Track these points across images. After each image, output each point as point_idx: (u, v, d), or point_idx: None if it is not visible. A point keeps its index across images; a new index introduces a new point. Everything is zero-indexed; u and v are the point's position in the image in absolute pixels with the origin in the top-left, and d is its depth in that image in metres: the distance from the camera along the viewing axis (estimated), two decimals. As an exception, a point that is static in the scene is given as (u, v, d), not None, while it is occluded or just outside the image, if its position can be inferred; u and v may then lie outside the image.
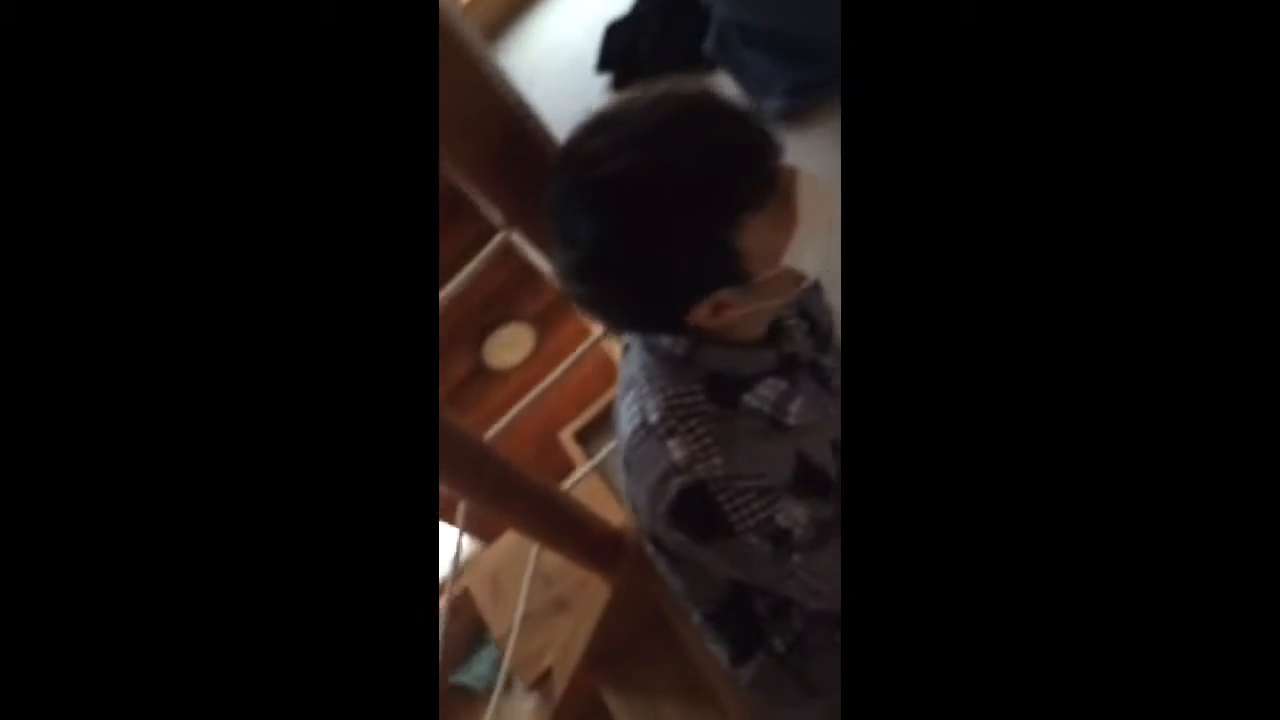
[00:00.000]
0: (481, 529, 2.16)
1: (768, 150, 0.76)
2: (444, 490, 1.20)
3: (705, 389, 0.88)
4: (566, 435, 2.14)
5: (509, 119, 1.09)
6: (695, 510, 0.86)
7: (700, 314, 0.81)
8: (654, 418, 0.88)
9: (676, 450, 0.85)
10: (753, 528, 0.86)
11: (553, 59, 2.82)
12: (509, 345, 2.21)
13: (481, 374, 2.22)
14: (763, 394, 0.91)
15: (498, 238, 1.28)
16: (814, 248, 0.80)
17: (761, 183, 0.75)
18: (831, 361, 1.08)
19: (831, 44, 1.90)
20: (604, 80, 2.53)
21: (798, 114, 1.99)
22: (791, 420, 0.93)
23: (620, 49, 2.38)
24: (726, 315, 0.82)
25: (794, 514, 0.88)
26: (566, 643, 1.76)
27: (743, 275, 0.78)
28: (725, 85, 2.18)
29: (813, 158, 1.91)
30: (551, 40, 2.92)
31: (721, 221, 0.74)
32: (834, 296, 1.23)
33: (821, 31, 1.86)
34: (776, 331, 0.95)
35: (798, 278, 0.82)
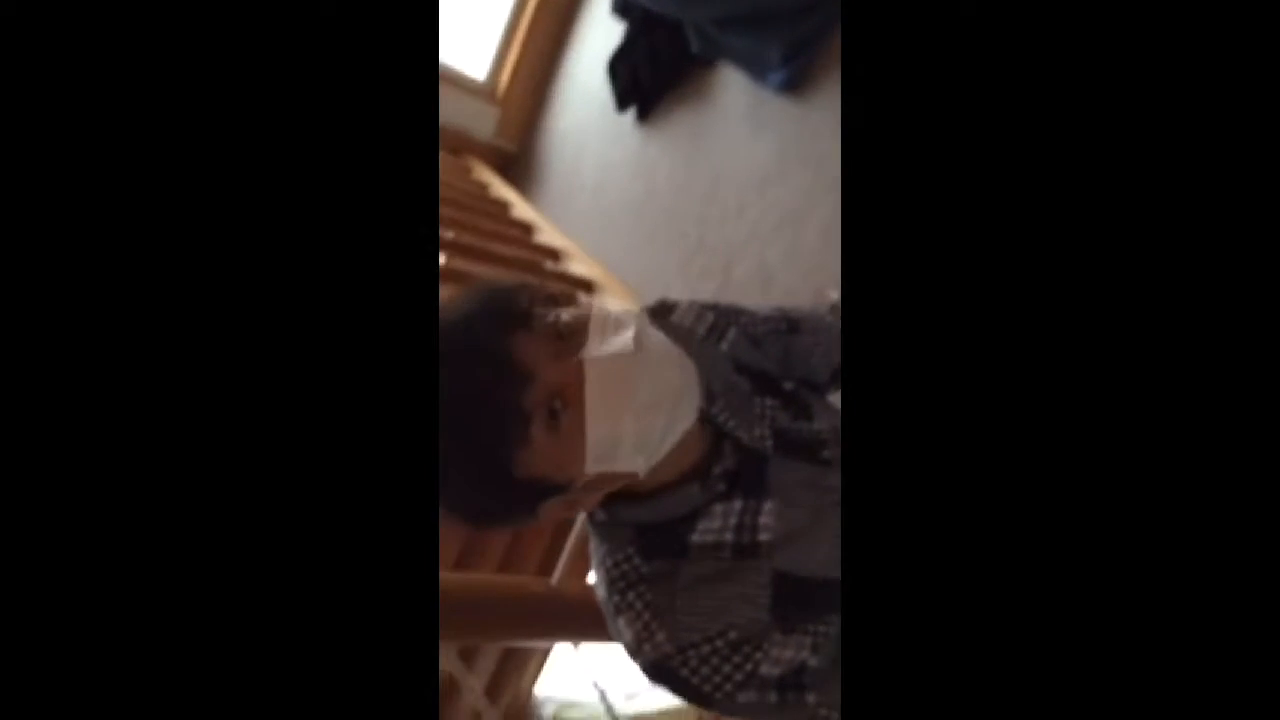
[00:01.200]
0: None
1: (506, 391, 0.65)
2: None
3: (638, 549, 0.77)
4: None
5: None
6: (669, 685, 0.77)
7: (554, 512, 0.72)
8: (602, 593, 0.80)
9: (626, 631, 0.77)
10: (736, 689, 0.75)
11: (590, 110, 2.79)
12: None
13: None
14: (712, 526, 0.79)
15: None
16: (627, 438, 0.68)
17: (511, 423, 0.65)
18: (821, 424, 0.93)
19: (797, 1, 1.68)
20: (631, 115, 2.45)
21: (801, 81, 1.78)
22: (765, 535, 0.80)
23: (626, 84, 2.29)
24: (583, 505, 0.73)
25: (783, 656, 0.76)
26: None
27: (549, 490, 0.69)
28: (729, 74, 2.01)
29: (825, 124, 1.71)
30: (583, 90, 2.88)
31: (479, 474, 0.66)
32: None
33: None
34: (719, 438, 0.83)
35: (625, 475, 0.71)
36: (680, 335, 0.84)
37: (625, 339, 0.68)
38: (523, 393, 0.65)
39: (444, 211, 2.19)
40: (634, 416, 0.68)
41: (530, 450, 0.65)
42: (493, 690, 1.61)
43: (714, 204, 2.02)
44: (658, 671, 0.75)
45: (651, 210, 2.32)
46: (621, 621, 0.77)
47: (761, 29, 1.78)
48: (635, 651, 0.76)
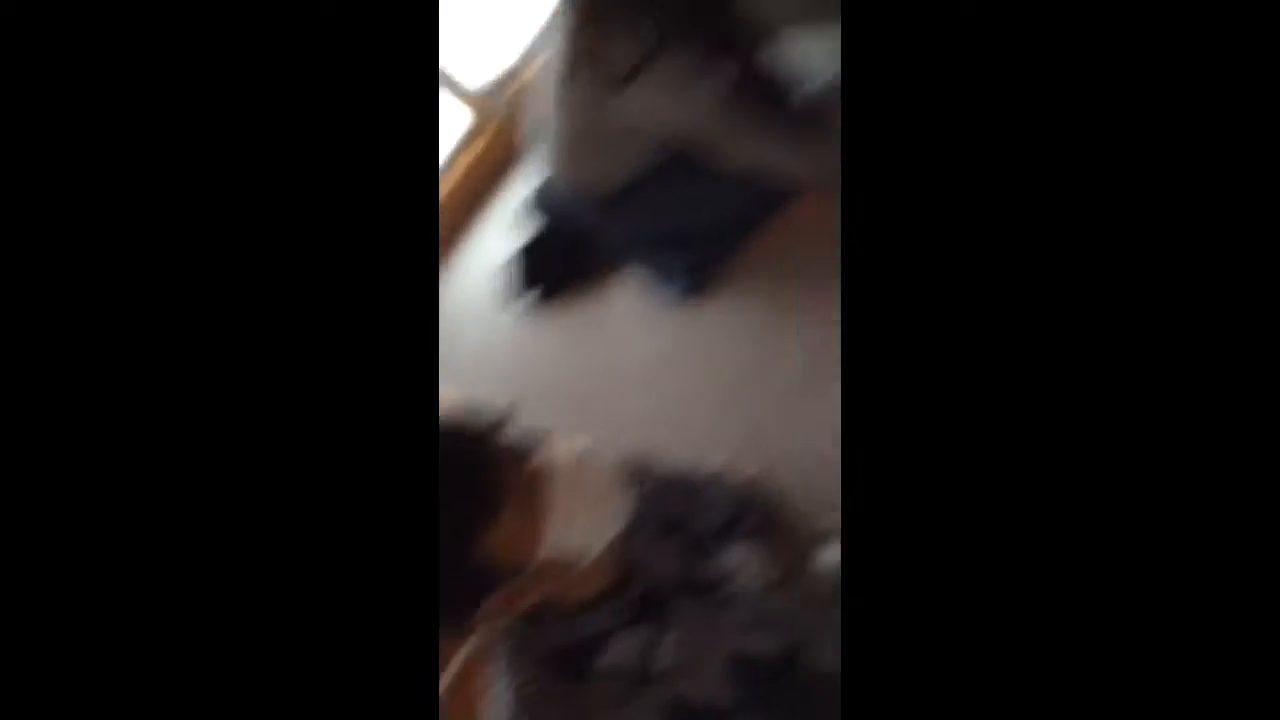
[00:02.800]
0: None
1: (485, 464, 0.73)
2: None
3: (544, 669, 0.84)
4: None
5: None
6: None
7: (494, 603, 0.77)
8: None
9: None
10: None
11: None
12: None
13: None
14: (619, 650, 0.85)
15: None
16: (580, 528, 0.78)
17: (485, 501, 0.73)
18: (720, 565, 1.01)
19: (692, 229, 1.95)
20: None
21: (701, 289, 2.01)
22: (662, 665, 0.86)
23: (533, 270, 2.42)
24: (522, 602, 0.79)
25: None
26: None
27: (491, 577, 0.74)
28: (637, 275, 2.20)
29: (721, 327, 1.90)
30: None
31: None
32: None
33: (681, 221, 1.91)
34: (629, 568, 0.90)
35: (566, 563, 0.79)
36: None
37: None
38: (496, 475, 0.73)
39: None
40: (590, 505, 0.78)
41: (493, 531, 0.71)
42: None
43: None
44: None
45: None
46: None
47: (661, 249, 2.00)
48: None
